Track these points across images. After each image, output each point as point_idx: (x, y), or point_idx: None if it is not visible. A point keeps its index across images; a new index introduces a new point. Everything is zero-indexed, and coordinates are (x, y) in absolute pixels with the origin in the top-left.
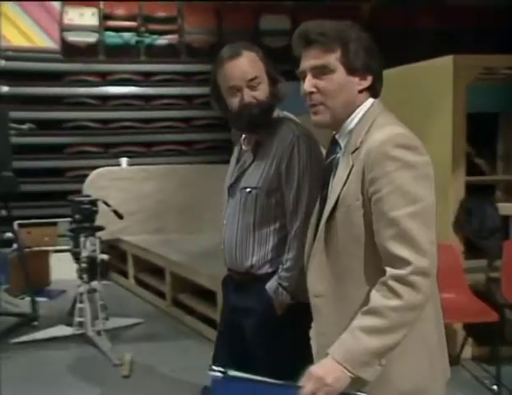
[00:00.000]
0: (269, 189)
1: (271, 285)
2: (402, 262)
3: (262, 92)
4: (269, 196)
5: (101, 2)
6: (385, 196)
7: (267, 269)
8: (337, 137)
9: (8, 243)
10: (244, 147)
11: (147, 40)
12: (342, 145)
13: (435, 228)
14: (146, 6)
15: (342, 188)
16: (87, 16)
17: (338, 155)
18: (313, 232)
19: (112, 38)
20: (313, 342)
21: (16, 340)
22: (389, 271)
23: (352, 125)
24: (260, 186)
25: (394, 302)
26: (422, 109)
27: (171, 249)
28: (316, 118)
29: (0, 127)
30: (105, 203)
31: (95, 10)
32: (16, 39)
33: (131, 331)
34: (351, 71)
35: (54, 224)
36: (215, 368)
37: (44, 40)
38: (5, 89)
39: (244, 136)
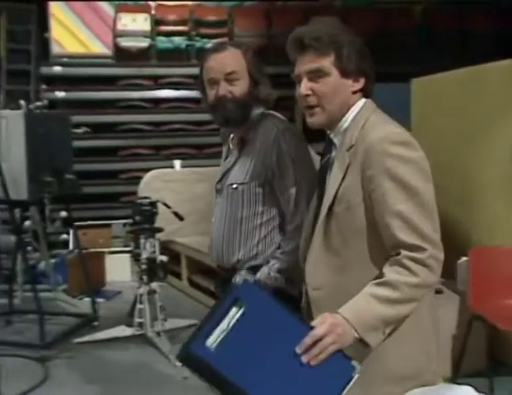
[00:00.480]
0: (256, 184)
1: (262, 271)
2: (417, 248)
3: (239, 88)
4: (256, 190)
5: (153, 8)
6: (387, 191)
7: (252, 264)
8: (331, 136)
9: (65, 244)
10: (231, 146)
11: (198, 44)
12: (338, 144)
13: (436, 216)
14: (197, 11)
15: (340, 185)
16: (140, 22)
17: (334, 154)
18: (310, 227)
19: (163, 43)
20: None
21: (79, 340)
22: (405, 253)
23: (346, 124)
24: (246, 181)
25: (410, 279)
26: (486, 110)
27: None
28: (312, 119)
29: (62, 131)
30: (166, 205)
31: (147, 15)
32: (71, 46)
33: (187, 332)
34: (344, 73)
35: (108, 225)
36: (249, 273)
37: (97, 46)
38: (61, 94)
39: (231, 135)
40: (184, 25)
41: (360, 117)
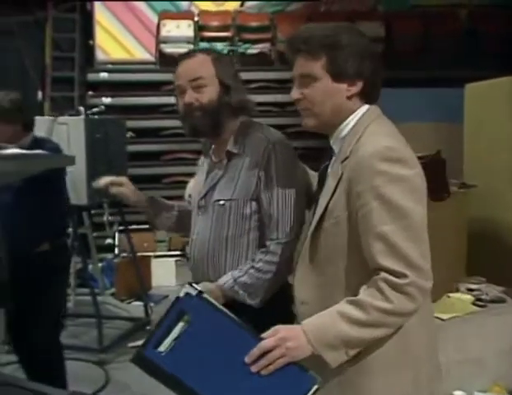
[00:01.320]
0: (244, 200)
1: (226, 281)
2: (397, 274)
3: (206, 95)
4: (244, 207)
5: (196, 15)
6: (373, 210)
7: None
8: (331, 143)
9: (111, 248)
10: (214, 159)
11: (240, 49)
12: (336, 152)
13: (426, 241)
14: (239, 17)
15: (330, 198)
16: (183, 28)
17: (332, 161)
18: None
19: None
20: None
21: (133, 344)
22: (383, 275)
23: (345, 132)
24: (234, 197)
25: (382, 304)
26: None
27: None
28: (304, 121)
29: (118, 135)
30: None
31: (190, 22)
32: (115, 52)
33: None
34: (336, 78)
35: (152, 230)
36: (193, 285)
37: (140, 52)
38: (107, 100)
39: (213, 146)
40: (227, 30)
41: (359, 125)
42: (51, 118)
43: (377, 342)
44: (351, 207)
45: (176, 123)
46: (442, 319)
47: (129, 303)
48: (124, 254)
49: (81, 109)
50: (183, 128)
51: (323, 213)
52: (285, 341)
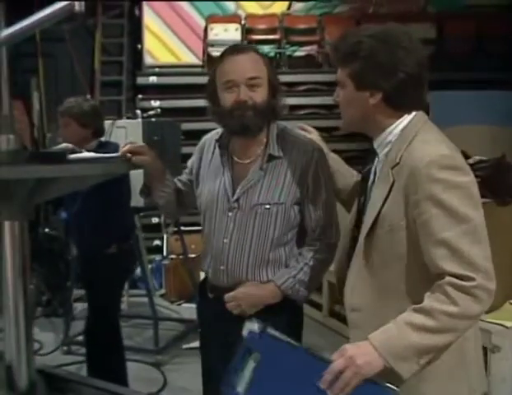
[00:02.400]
0: (291, 203)
1: (285, 280)
2: (463, 277)
3: (259, 95)
4: (290, 211)
5: (243, 18)
6: (433, 217)
7: None
8: (375, 146)
9: (159, 250)
10: (236, 158)
11: (287, 52)
12: (380, 155)
13: (487, 244)
14: (287, 20)
15: (382, 205)
16: (231, 32)
17: (375, 166)
18: (347, 247)
19: None
20: None
21: (187, 345)
22: (449, 279)
23: (391, 137)
24: (282, 201)
25: (450, 308)
26: None
27: None
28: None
29: (174, 138)
30: None
31: (238, 25)
32: (163, 56)
33: None
34: (359, 87)
35: (199, 231)
36: (254, 321)
37: (187, 56)
38: (156, 103)
39: (236, 145)
40: (274, 33)
41: (408, 131)
42: (109, 121)
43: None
44: (409, 215)
45: None
46: (506, 327)
47: (179, 304)
48: (173, 256)
49: (138, 112)
50: (227, 125)
51: (374, 220)
52: (354, 359)
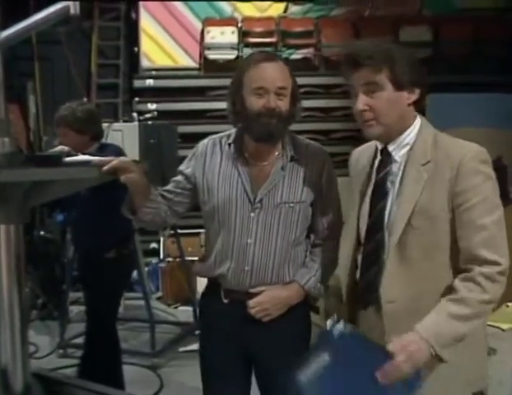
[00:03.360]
0: (308, 203)
1: (308, 279)
2: (492, 263)
3: (284, 104)
4: (308, 210)
5: (240, 21)
6: (475, 205)
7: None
8: (390, 149)
9: (156, 253)
10: (252, 160)
11: (284, 55)
12: (397, 157)
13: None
14: (283, 23)
15: (418, 198)
16: (228, 35)
17: (392, 167)
18: (353, 244)
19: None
20: None
21: (184, 348)
22: (478, 269)
23: (409, 139)
24: (303, 200)
25: (482, 296)
26: None
27: None
28: (369, 130)
29: (170, 141)
30: None
31: (234, 28)
32: (159, 59)
33: None
34: (398, 87)
35: (197, 234)
36: (339, 319)
37: (184, 59)
38: (153, 106)
39: (249, 148)
40: (271, 36)
41: (425, 133)
42: (106, 124)
43: None
44: (449, 205)
45: (220, 127)
46: (502, 329)
47: (176, 307)
48: (169, 259)
49: (135, 115)
50: (252, 128)
51: (411, 213)
52: (407, 347)
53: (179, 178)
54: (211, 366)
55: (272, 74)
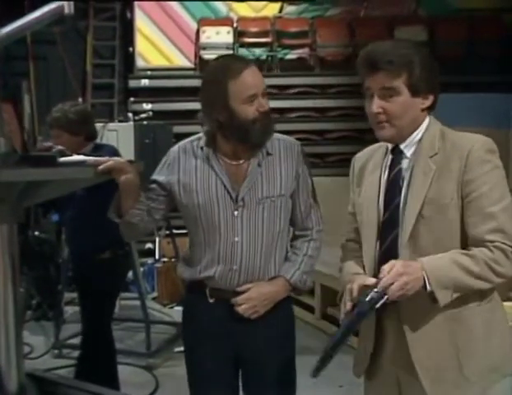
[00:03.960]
0: (288, 196)
1: (293, 273)
2: (504, 243)
3: (267, 104)
4: (288, 203)
5: (235, 21)
6: (484, 193)
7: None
8: (402, 147)
9: (151, 253)
10: (227, 160)
11: (279, 55)
12: (409, 154)
13: None
14: (278, 23)
15: (428, 189)
16: (223, 34)
17: (404, 165)
18: (394, 234)
19: (244, 54)
20: None
21: (180, 349)
22: (493, 244)
23: (419, 136)
24: (283, 193)
25: (493, 264)
26: None
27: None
28: (382, 132)
29: (165, 141)
30: None
31: (229, 28)
32: (155, 59)
33: None
34: (414, 93)
35: None
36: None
37: (179, 59)
38: (148, 106)
39: (225, 149)
40: (266, 36)
41: (432, 129)
42: (101, 124)
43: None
44: (459, 194)
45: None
46: None
47: (171, 307)
48: (165, 259)
49: (130, 115)
50: (249, 135)
51: (422, 205)
52: (401, 275)
53: (153, 186)
54: (198, 367)
55: (257, 79)
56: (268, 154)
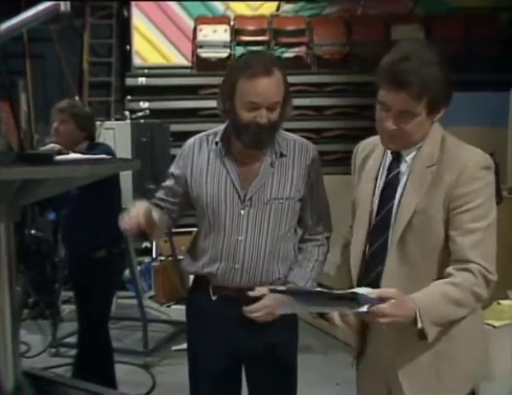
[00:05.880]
0: (296, 199)
1: (307, 283)
2: (484, 268)
3: (275, 114)
4: (295, 205)
5: (232, 20)
6: (470, 210)
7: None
8: (402, 151)
9: (148, 252)
10: (239, 158)
11: (276, 53)
12: (407, 158)
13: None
14: (276, 21)
15: (419, 199)
16: (220, 33)
17: (402, 168)
18: (382, 240)
19: (241, 52)
20: None
21: (176, 347)
22: (478, 267)
23: (422, 142)
24: (292, 196)
25: (476, 288)
26: None
27: None
28: (391, 145)
29: (162, 139)
30: None
31: (227, 27)
32: (152, 58)
33: None
34: (431, 112)
35: (189, 233)
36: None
37: (176, 57)
38: (145, 105)
39: (238, 147)
40: (263, 34)
41: (433, 135)
42: (98, 122)
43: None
44: (446, 207)
45: (212, 126)
46: (494, 326)
47: (168, 306)
48: (162, 258)
49: (127, 113)
50: (241, 135)
51: (412, 213)
52: (395, 312)
53: (170, 182)
54: (200, 362)
55: (266, 91)
56: (282, 155)
